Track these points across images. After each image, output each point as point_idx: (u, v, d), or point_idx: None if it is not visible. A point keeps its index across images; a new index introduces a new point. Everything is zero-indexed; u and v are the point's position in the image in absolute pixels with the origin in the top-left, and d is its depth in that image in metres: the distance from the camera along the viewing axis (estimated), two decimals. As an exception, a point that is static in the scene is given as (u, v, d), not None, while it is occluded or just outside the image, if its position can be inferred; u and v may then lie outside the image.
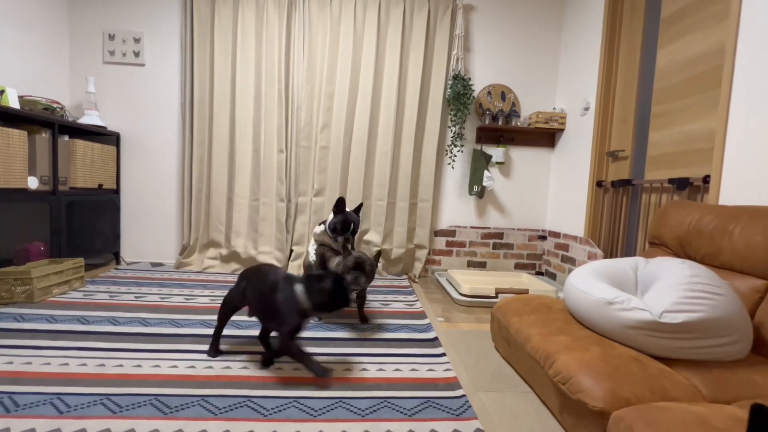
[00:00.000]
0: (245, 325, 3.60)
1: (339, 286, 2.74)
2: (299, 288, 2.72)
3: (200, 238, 5.58)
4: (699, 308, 2.15)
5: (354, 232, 3.97)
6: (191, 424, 2.17)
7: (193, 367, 2.80)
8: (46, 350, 2.94)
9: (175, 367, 2.79)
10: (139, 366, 2.77)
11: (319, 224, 4.18)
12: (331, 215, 3.97)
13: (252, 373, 2.75)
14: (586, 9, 5.23)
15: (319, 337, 3.41)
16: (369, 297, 4.55)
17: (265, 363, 2.90)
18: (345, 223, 3.88)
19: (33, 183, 4.15)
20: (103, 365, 2.75)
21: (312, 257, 4.09)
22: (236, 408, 2.34)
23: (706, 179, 3.40)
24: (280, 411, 2.33)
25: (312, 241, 4.20)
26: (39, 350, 2.93)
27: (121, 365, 2.77)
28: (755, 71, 3.00)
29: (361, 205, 4.21)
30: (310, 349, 3.15)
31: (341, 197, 3.92)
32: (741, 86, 3.10)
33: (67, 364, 2.75)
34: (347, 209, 3.97)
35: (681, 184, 3.62)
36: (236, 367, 2.82)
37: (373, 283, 5.12)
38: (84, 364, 2.75)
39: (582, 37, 5.32)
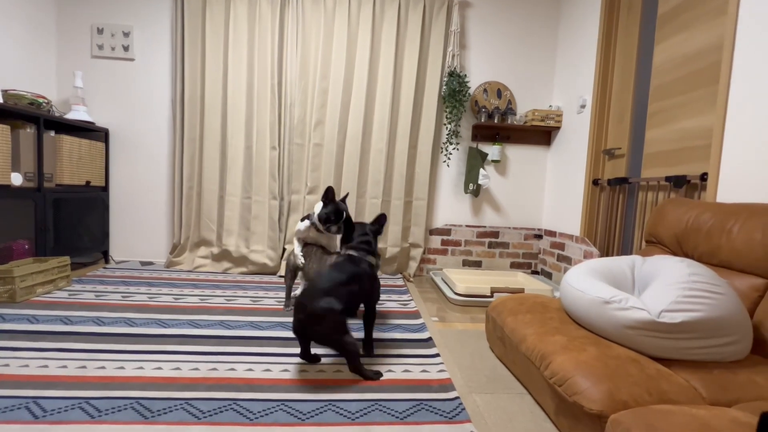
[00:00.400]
0: (234, 325, 3.53)
1: (379, 226, 3.43)
2: (362, 254, 3.17)
3: (191, 236, 5.52)
4: (698, 307, 2.10)
5: (346, 221, 3.93)
6: (173, 429, 2.09)
7: (178, 368, 2.72)
8: (25, 351, 2.86)
9: (159, 369, 2.71)
10: (122, 368, 2.70)
11: (302, 220, 4.10)
12: (318, 207, 3.91)
13: (238, 375, 2.68)
14: (583, 5, 5.19)
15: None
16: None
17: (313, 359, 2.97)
18: (337, 211, 3.82)
19: (17, 179, 4.07)
20: (84, 367, 2.68)
21: (301, 260, 3.99)
22: (221, 411, 2.27)
23: (703, 176, 3.35)
24: (266, 414, 2.26)
25: (295, 241, 4.09)
26: (18, 351, 2.86)
27: (103, 367, 2.69)
28: (754, 67, 2.96)
29: (347, 195, 4.17)
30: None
31: (330, 186, 3.87)
32: (739, 82, 3.06)
33: (46, 366, 2.67)
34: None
35: (678, 182, 3.58)
36: (223, 368, 2.76)
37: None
38: (64, 366, 2.67)
39: (578, 34, 5.28)
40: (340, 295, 2.78)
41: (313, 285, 2.82)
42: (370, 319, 3.17)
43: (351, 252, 3.18)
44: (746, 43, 3.02)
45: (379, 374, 2.82)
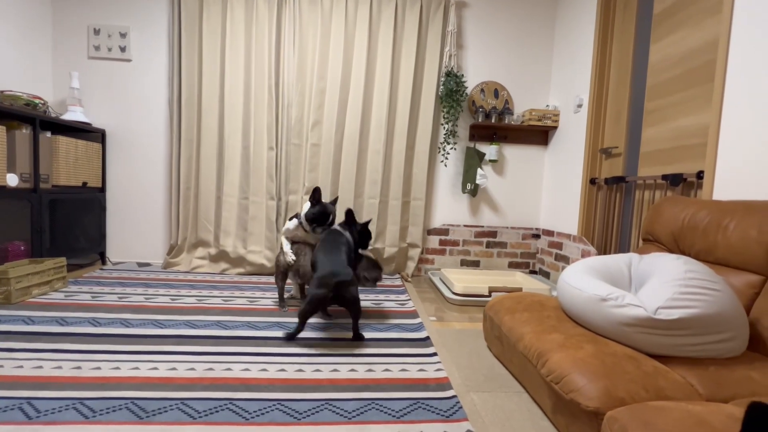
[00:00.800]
0: (230, 325, 3.53)
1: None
2: (343, 229, 3.94)
3: (188, 237, 5.51)
4: (695, 304, 2.10)
5: (331, 224, 3.99)
6: (168, 429, 2.08)
7: (174, 369, 2.71)
8: (20, 352, 2.84)
9: (155, 369, 2.70)
10: (118, 368, 2.68)
11: (290, 219, 4.13)
12: (306, 206, 3.96)
13: (235, 375, 2.67)
14: (579, 5, 5.19)
15: (309, 338, 3.35)
16: (360, 296, 4.49)
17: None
18: (324, 213, 3.95)
19: (12, 180, 4.06)
20: (79, 368, 2.67)
21: (291, 257, 3.99)
22: (217, 411, 2.26)
23: (699, 174, 3.35)
24: (262, 414, 2.25)
25: (284, 240, 4.11)
26: (12, 353, 2.84)
27: (98, 368, 2.68)
28: (748, 65, 2.96)
29: (336, 198, 4.23)
30: (299, 350, 3.10)
31: (317, 187, 3.98)
32: (734, 80, 3.06)
33: (41, 366, 2.66)
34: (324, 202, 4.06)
35: (674, 180, 3.58)
36: (219, 368, 2.75)
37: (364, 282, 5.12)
38: (59, 367, 2.66)
39: (575, 33, 5.28)
40: (346, 261, 3.48)
41: (332, 259, 3.40)
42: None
43: (336, 227, 3.93)
44: (741, 42, 3.02)
45: (363, 337, 3.43)
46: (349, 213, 3.99)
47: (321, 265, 3.35)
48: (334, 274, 3.20)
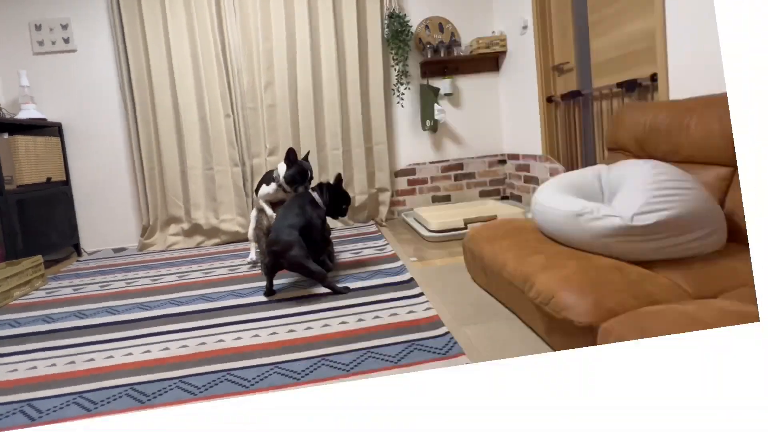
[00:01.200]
0: (215, 297, 3.52)
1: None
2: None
3: (159, 215, 5.48)
4: (669, 206, 2.12)
5: (311, 179, 3.96)
6: (172, 409, 2.07)
7: (167, 348, 2.71)
8: (12, 356, 2.81)
9: (148, 352, 2.69)
10: (111, 357, 2.67)
11: (264, 184, 4.10)
12: (281, 168, 3.93)
13: (228, 345, 2.67)
14: None
15: (295, 296, 3.36)
16: (338, 248, 4.51)
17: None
18: (302, 172, 3.91)
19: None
20: (73, 362, 2.64)
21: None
22: (216, 384, 2.26)
23: (653, 77, 3.36)
24: (262, 380, 2.26)
25: (264, 205, 4.09)
26: (4, 357, 2.81)
27: (91, 359, 2.66)
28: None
29: (308, 153, 4.21)
30: (287, 311, 3.11)
31: (291, 148, 3.94)
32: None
33: (35, 367, 2.64)
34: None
35: (630, 87, 3.60)
36: (211, 341, 2.74)
37: (340, 233, 5.17)
38: (53, 365, 2.64)
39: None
40: (297, 224, 3.39)
41: (278, 226, 3.40)
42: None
43: (308, 190, 3.84)
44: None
45: (347, 288, 3.39)
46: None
47: (271, 231, 3.45)
48: (271, 241, 3.34)
